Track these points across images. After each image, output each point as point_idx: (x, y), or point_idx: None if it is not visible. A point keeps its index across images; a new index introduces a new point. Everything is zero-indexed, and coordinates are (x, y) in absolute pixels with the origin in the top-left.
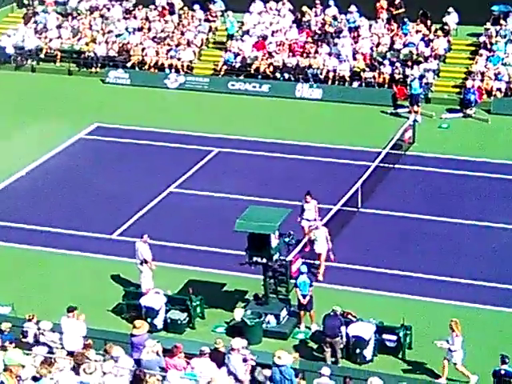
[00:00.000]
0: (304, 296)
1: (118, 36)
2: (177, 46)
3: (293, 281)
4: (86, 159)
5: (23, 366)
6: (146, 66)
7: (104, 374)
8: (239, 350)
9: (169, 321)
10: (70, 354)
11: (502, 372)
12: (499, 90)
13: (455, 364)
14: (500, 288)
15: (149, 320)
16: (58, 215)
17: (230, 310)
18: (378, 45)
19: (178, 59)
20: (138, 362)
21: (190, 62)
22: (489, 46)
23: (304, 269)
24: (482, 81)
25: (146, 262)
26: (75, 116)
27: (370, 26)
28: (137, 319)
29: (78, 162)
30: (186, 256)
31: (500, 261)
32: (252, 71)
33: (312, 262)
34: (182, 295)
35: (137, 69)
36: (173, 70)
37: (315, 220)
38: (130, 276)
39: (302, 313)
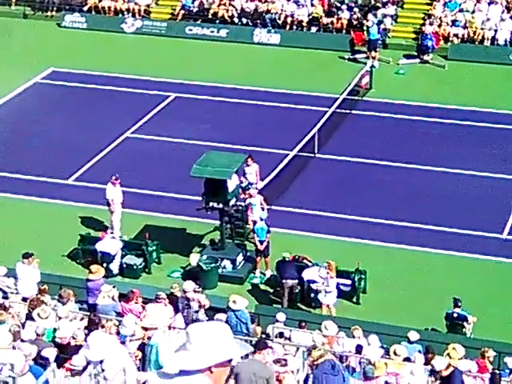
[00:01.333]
0: (261, 242)
1: None
2: None
3: (249, 226)
4: (42, 104)
5: None
6: (103, 11)
7: (59, 318)
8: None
9: (125, 266)
10: (25, 299)
11: (455, 315)
12: (456, 35)
13: (327, 305)
14: (450, 232)
15: (105, 265)
16: (12, 160)
17: (186, 255)
18: None
19: (135, 3)
20: (93, 306)
21: (148, 6)
22: None
23: (263, 215)
24: (439, 26)
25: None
26: (30, 60)
27: None
28: (92, 264)
29: (33, 106)
30: (142, 201)
31: (451, 205)
32: (210, 16)
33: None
34: (139, 240)
35: (93, 13)
36: (130, 15)
37: (256, 184)
38: (86, 221)
39: (258, 258)
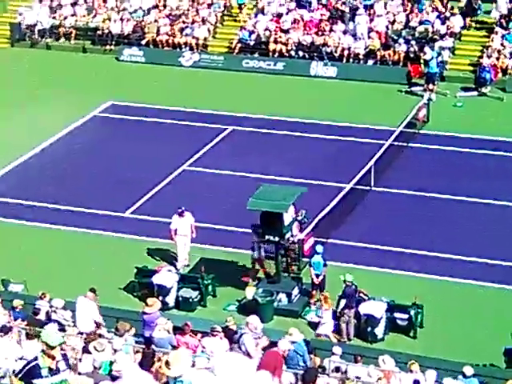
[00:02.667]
0: (317, 276)
1: (132, 13)
2: (192, 23)
3: (305, 259)
4: (100, 137)
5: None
6: (161, 44)
7: (115, 351)
8: (253, 328)
9: (180, 299)
10: (81, 333)
11: None
12: None
13: (326, 335)
14: (508, 266)
15: (160, 298)
16: (72, 193)
17: (242, 288)
18: (393, 22)
19: (193, 37)
20: (149, 339)
21: (205, 39)
22: (504, 24)
23: (319, 249)
24: (497, 59)
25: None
26: (89, 93)
27: (386, 3)
28: (149, 297)
29: (92, 139)
30: (198, 234)
31: (505, 239)
32: (267, 49)
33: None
34: (194, 273)
35: (151, 46)
36: (187, 48)
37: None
38: (143, 254)
39: (314, 292)
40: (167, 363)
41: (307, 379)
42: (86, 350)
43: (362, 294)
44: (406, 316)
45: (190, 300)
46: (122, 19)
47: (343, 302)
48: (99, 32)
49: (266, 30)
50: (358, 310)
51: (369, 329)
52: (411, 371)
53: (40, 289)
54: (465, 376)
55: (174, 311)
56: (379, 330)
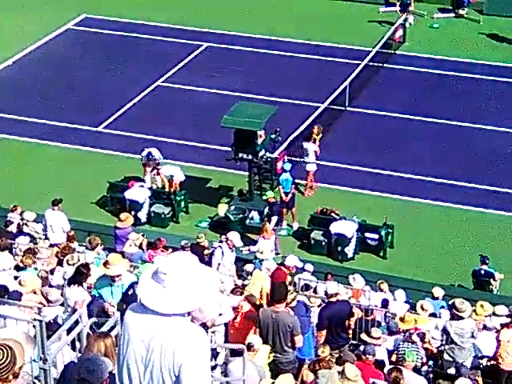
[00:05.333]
0: (286, 193)
1: None
2: None
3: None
4: (74, 50)
5: None
6: None
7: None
8: (231, 245)
9: (152, 214)
10: (53, 246)
11: (482, 272)
12: None
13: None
14: (481, 189)
15: (133, 213)
16: (43, 107)
17: (214, 205)
18: None
19: None
20: (121, 254)
21: None
22: None
23: (287, 166)
24: None
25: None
26: (63, 6)
27: None
28: (121, 212)
29: (65, 52)
30: (170, 150)
31: (482, 162)
32: None
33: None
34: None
35: None
36: None
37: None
38: (115, 169)
39: (285, 210)
40: (106, 263)
41: (277, 296)
42: (59, 264)
43: (333, 214)
44: (376, 236)
45: (162, 216)
46: None
47: (275, 219)
48: None
49: None
50: (329, 229)
51: (339, 248)
52: (380, 290)
53: (11, 201)
54: (433, 297)
55: (147, 227)
56: (349, 249)
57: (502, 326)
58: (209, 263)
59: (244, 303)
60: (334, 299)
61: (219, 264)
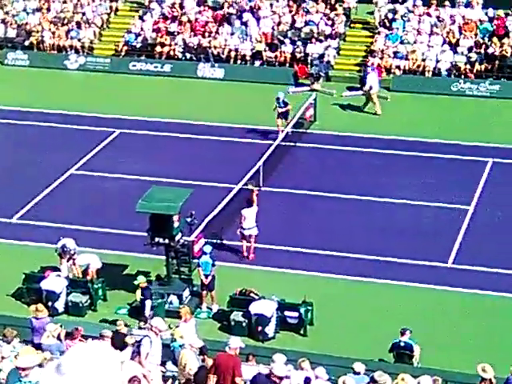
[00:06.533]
0: (206, 276)
1: (15, 16)
2: (77, 26)
3: (195, 260)
4: None
5: None
6: (46, 48)
7: (2, 358)
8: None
9: (70, 304)
10: None
11: (402, 344)
12: (398, 67)
13: None
14: (393, 262)
15: (50, 303)
16: None
17: (133, 291)
18: (278, 24)
19: (79, 40)
20: (39, 345)
21: (91, 42)
22: (387, 24)
23: (207, 249)
24: (381, 58)
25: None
26: None
27: (272, 4)
28: (37, 303)
29: None
30: (87, 238)
31: (390, 235)
32: (155, 53)
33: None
34: (84, 278)
35: (36, 50)
36: (73, 51)
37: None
38: (31, 260)
39: (204, 293)
40: (17, 355)
41: (198, 380)
42: None
43: (252, 294)
44: (296, 314)
45: (80, 305)
46: (4, 22)
47: (149, 303)
48: None
49: (153, 31)
50: (249, 309)
51: (259, 328)
52: (302, 369)
53: None
54: (355, 372)
55: (64, 316)
56: (270, 329)
57: None
58: (137, 352)
59: None
60: None
61: (147, 354)
